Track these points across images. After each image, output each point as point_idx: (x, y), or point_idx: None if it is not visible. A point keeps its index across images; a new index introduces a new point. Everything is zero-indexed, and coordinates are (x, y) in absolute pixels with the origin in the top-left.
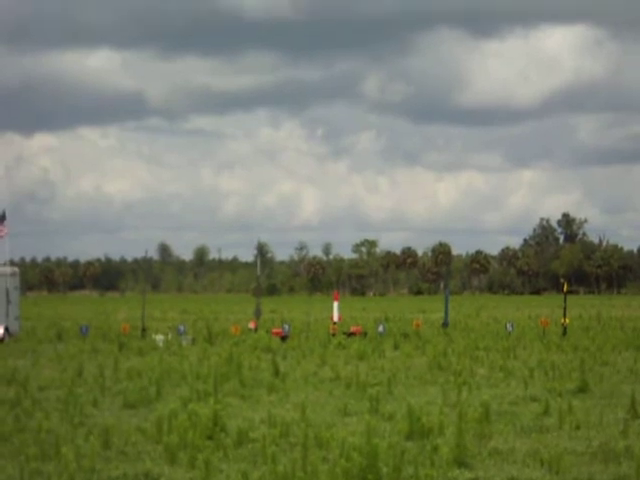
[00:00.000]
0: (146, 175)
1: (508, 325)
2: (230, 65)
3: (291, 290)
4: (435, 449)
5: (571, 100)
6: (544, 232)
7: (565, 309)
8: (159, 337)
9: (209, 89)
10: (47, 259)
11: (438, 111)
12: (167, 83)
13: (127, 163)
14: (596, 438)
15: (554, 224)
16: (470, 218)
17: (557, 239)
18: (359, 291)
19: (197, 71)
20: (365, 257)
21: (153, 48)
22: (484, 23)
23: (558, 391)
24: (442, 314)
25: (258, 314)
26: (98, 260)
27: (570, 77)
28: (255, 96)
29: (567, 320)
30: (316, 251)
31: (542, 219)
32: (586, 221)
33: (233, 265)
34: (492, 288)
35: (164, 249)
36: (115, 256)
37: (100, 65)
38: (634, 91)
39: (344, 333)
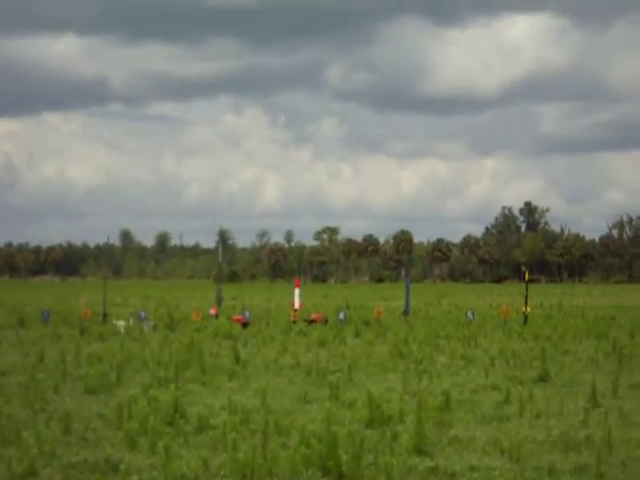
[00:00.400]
0: (108, 161)
1: (469, 313)
2: (193, 51)
3: (252, 277)
4: (395, 437)
5: (534, 89)
6: (506, 220)
7: (526, 297)
8: (120, 323)
9: (172, 75)
10: (9, 244)
11: (401, 99)
12: (130, 69)
13: (90, 149)
14: (556, 427)
15: (516, 213)
16: (432, 206)
17: (519, 228)
18: (320, 278)
19: (159, 57)
20: (327, 244)
21: (116, 34)
22: (447, 12)
23: (519, 379)
24: (403, 302)
25: (219, 301)
26: (60, 245)
27: (533, 66)
28: (218, 83)
29: (528, 309)
30: (278, 238)
31: (504, 207)
32: (548, 210)
33: (195, 251)
34: (453, 276)
35: (126, 235)
36: (77, 241)
37: (63, 51)
38: (597, 80)
39: (305, 320)
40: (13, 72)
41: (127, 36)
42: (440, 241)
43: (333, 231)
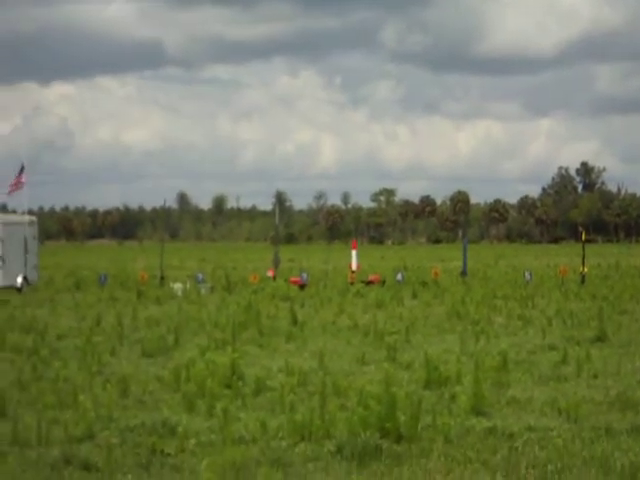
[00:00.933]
0: (164, 124)
1: (526, 274)
2: (246, 14)
3: (309, 239)
4: (453, 398)
5: (590, 49)
6: (562, 181)
7: (583, 258)
8: (177, 285)
9: (225, 38)
10: (65, 208)
11: (456, 61)
12: (184, 32)
13: (145, 112)
14: (614, 387)
15: (573, 173)
16: (489, 167)
17: (575, 188)
18: (377, 240)
19: (213, 20)
20: (383, 206)
21: None
22: None
23: (576, 340)
24: (460, 263)
25: (276, 263)
26: (116, 209)
27: (589, 26)
28: (272, 45)
29: (585, 269)
30: (334, 200)
31: (560, 168)
32: (605, 170)
33: (251, 214)
34: (510, 237)
35: (182, 198)
36: (133, 205)
37: (117, 15)
38: None
39: (362, 282)
40: (66, 36)
41: None
42: (497, 202)
43: (390, 193)
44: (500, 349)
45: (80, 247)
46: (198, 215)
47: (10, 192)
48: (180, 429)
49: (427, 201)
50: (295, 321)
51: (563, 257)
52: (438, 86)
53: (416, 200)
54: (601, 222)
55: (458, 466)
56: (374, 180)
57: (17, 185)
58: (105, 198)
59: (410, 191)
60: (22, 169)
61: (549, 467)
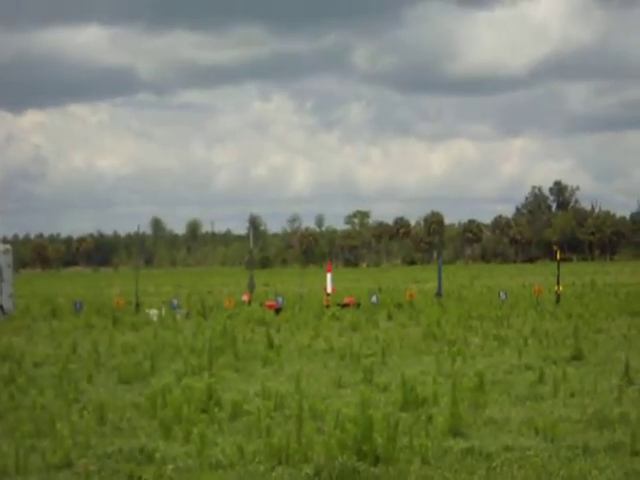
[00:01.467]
0: (137, 150)
1: (502, 294)
2: (218, 39)
3: (284, 262)
4: (430, 419)
5: (561, 68)
6: (536, 200)
7: (558, 277)
8: (153, 312)
9: (198, 63)
10: (40, 235)
11: (428, 81)
12: (156, 58)
13: (118, 138)
14: (591, 405)
15: (546, 192)
16: (462, 187)
17: (549, 207)
18: (352, 262)
19: (185, 45)
20: (358, 228)
21: (140, 23)
22: None
23: (552, 359)
24: (435, 284)
25: (251, 287)
26: (91, 236)
27: (559, 44)
28: (244, 69)
29: (560, 288)
30: (309, 223)
31: (534, 187)
32: (578, 188)
33: (226, 238)
34: (485, 257)
35: (157, 223)
36: (108, 231)
37: (88, 42)
38: (624, 57)
39: (338, 304)
40: (40, 64)
41: (151, 25)
42: (471, 222)
43: (364, 215)
44: (476, 370)
45: (55, 275)
46: (172, 240)
47: None
48: (157, 455)
49: (401, 222)
50: (271, 345)
51: (538, 276)
52: (410, 107)
53: (390, 222)
54: (575, 240)
55: None
56: (348, 202)
57: None
58: (79, 225)
59: (384, 213)
60: None
61: None
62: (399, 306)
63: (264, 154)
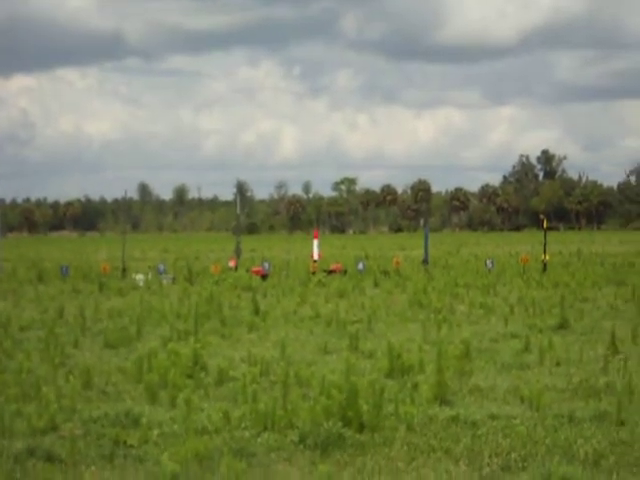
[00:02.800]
0: (125, 115)
1: (488, 262)
2: (206, 4)
3: (271, 228)
4: (415, 386)
5: (550, 37)
6: (524, 169)
7: (545, 245)
8: (139, 277)
9: (186, 29)
10: (27, 200)
11: (416, 49)
12: (144, 23)
13: (106, 103)
14: (576, 374)
15: (533, 161)
16: (449, 155)
17: (537, 176)
18: (339, 229)
19: (174, 11)
20: (345, 195)
21: None
22: None
23: (538, 327)
24: (422, 251)
25: (238, 253)
26: (78, 200)
27: (549, 13)
28: (232, 35)
29: (547, 256)
30: (296, 189)
31: (521, 156)
32: (565, 158)
33: (213, 204)
34: (472, 225)
35: (143, 189)
36: (95, 196)
37: (77, 5)
38: (613, 28)
39: (324, 271)
40: (26, 28)
41: None
42: (458, 190)
43: (351, 182)
44: (462, 337)
45: (42, 239)
46: (159, 206)
47: None
48: (143, 420)
49: (388, 190)
50: (257, 311)
51: (525, 245)
52: (398, 74)
53: (377, 189)
54: (562, 210)
55: (421, 455)
56: (335, 169)
57: None
58: (66, 189)
59: (371, 180)
60: None
61: (512, 455)
62: (385, 273)
63: (252, 120)
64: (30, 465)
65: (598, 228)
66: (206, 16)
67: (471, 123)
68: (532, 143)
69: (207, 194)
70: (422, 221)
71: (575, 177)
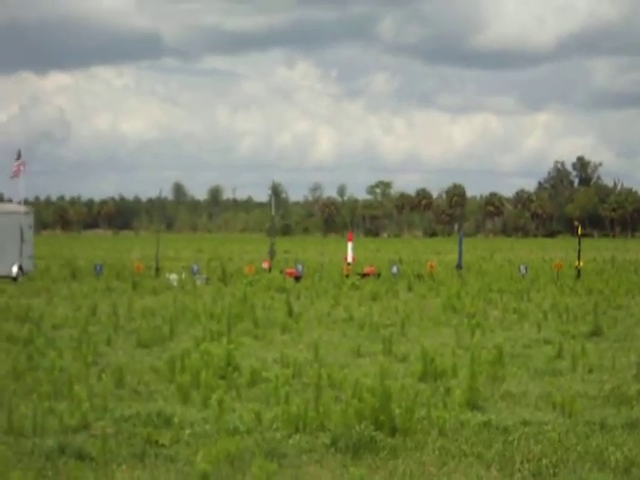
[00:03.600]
0: (161, 115)
1: (522, 268)
2: (244, 5)
3: (305, 230)
4: (448, 391)
5: (586, 43)
6: (559, 175)
7: (579, 252)
8: (173, 276)
9: (223, 29)
10: (61, 198)
11: (453, 53)
12: (181, 23)
13: (142, 102)
14: (609, 381)
15: (569, 167)
16: (485, 160)
17: (572, 182)
18: (373, 232)
19: (211, 11)
20: (379, 198)
21: None
22: None
23: (571, 334)
24: (456, 256)
25: (272, 254)
26: (112, 199)
27: (586, 20)
28: (269, 36)
29: (581, 263)
30: (331, 192)
31: (557, 162)
32: (601, 164)
33: (247, 205)
34: (506, 231)
35: (178, 189)
36: (129, 195)
37: (115, 4)
38: None
39: (358, 274)
40: (64, 26)
41: None
42: (493, 195)
43: (386, 185)
44: (495, 343)
45: (76, 237)
46: (194, 206)
47: (13, 176)
48: (175, 420)
49: (423, 194)
50: (290, 313)
51: (559, 251)
52: (434, 79)
53: (412, 193)
54: (597, 217)
55: (452, 459)
56: (370, 172)
57: (18, 171)
58: (101, 188)
59: (406, 184)
60: (19, 156)
61: (544, 461)
62: (419, 277)
63: (288, 121)
64: (61, 463)
65: (632, 236)
66: (243, 17)
67: (507, 129)
68: (567, 149)
69: (242, 195)
70: (456, 226)
71: (610, 184)
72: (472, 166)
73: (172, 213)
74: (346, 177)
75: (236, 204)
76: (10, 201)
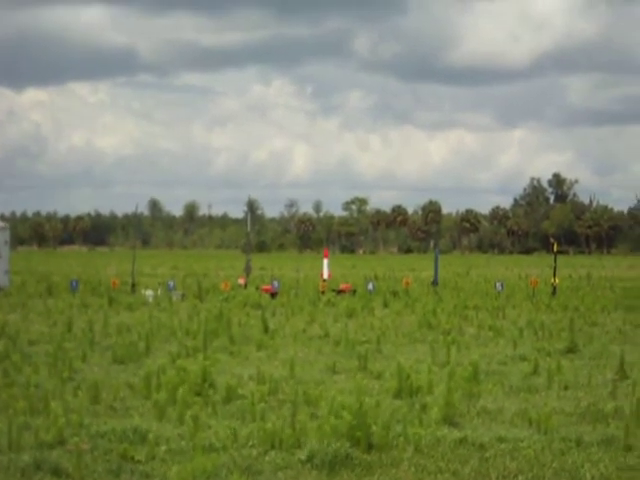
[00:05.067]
0: (137, 131)
1: (498, 284)
2: (220, 21)
3: (281, 247)
4: (424, 408)
5: (562, 60)
6: (534, 192)
7: (555, 269)
8: (149, 292)
9: (199, 46)
10: (37, 213)
11: (429, 70)
12: (157, 39)
13: (118, 118)
14: (585, 398)
15: (545, 184)
16: (460, 177)
17: (547, 199)
18: (349, 249)
19: (186, 27)
20: (355, 215)
21: (142, 4)
22: None
23: (547, 351)
24: (432, 273)
25: (248, 270)
26: (88, 215)
27: (561, 37)
28: (245, 53)
29: (557, 280)
30: (306, 208)
31: (533, 179)
32: (577, 181)
33: (223, 221)
34: (482, 247)
35: (154, 204)
36: (105, 211)
37: (90, 21)
38: (625, 52)
39: (333, 290)
40: (41, 42)
41: (153, 6)
42: (469, 212)
43: (362, 202)
44: (471, 359)
45: (52, 253)
46: (170, 222)
47: None
48: (151, 436)
49: (399, 210)
50: (266, 329)
51: (534, 268)
52: (410, 95)
53: (388, 209)
54: (573, 233)
55: (428, 476)
56: (346, 189)
57: None
58: (77, 204)
59: (382, 200)
60: None
61: (519, 478)
62: (395, 294)
63: (263, 138)
64: (37, 479)
65: (608, 252)
66: (219, 33)
67: (483, 145)
68: (543, 166)
69: (217, 211)
70: (432, 242)
71: (586, 201)
72: (448, 183)
73: (148, 229)
74: (322, 193)
75: (212, 220)
76: None
